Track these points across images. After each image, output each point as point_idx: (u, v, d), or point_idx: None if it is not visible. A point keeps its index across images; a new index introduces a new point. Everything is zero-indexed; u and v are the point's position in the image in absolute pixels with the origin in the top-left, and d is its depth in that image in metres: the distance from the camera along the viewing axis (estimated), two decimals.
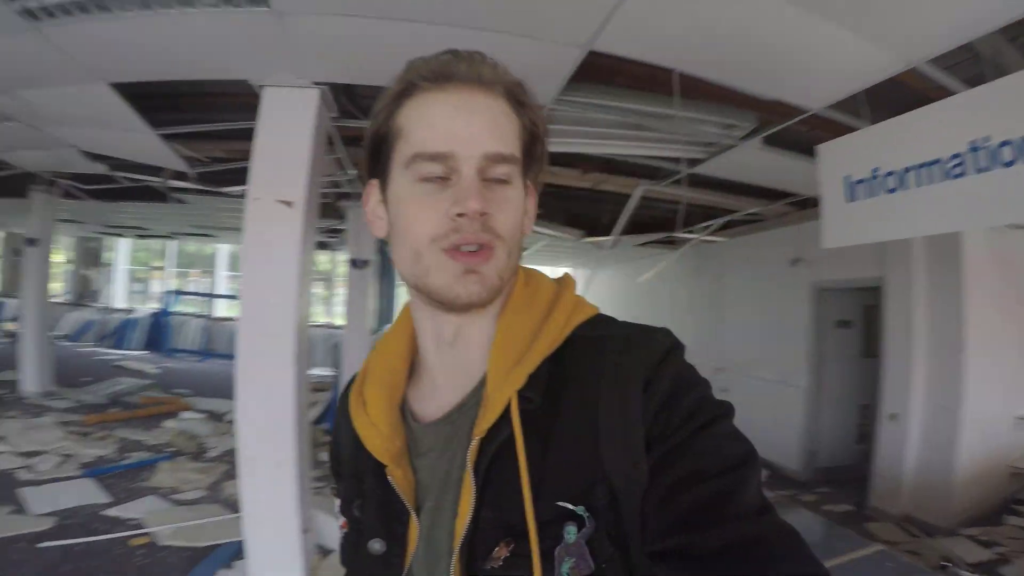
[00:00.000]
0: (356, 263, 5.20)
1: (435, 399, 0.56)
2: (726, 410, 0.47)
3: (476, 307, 0.50)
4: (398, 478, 0.52)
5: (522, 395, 0.48)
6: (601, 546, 0.44)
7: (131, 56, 2.45)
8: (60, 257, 12.66)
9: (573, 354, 0.51)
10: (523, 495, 0.45)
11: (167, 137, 3.54)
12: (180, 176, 4.41)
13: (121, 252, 13.41)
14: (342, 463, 0.60)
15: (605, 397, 0.47)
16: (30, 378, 6.01)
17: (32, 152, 4.66)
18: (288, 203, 2.44)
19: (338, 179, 4.25)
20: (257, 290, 2.49)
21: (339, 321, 9.75)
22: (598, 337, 0.51)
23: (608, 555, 0.44)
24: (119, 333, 10.93)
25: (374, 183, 0.55)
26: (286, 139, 2.49)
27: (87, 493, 3.61)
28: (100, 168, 4.79)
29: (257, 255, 2.50)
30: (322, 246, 8.94)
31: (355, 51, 2.30)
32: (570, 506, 0.45)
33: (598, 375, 0.48)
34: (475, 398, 0.52)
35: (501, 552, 0.46)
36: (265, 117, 2.51)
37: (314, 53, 2.31)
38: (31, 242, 6.19)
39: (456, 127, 0.48)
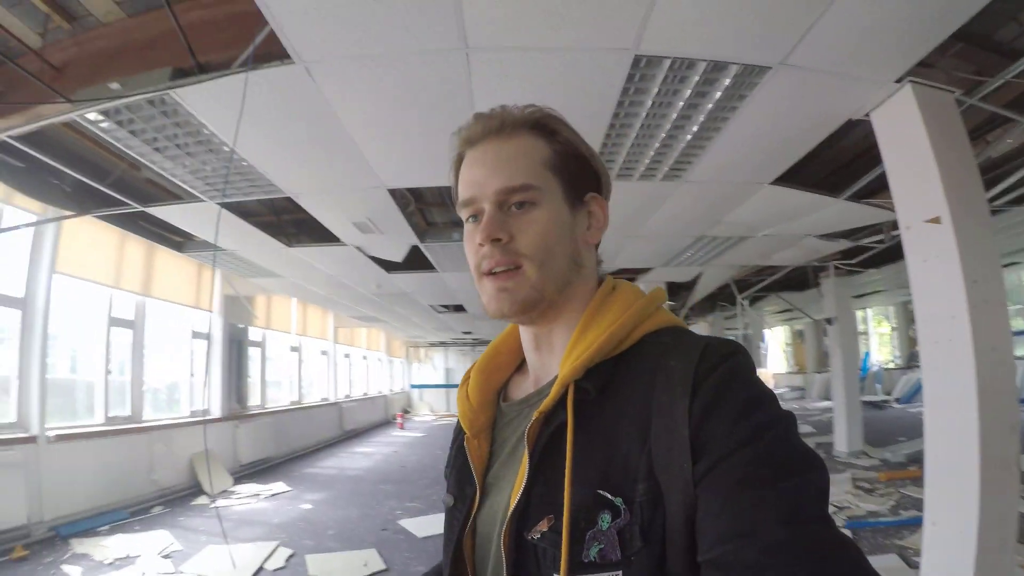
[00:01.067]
0: None
1: (526, 386, 0.65)
2: (785, 418, 0.45)
3: (515, 318, 0.58)
4: (472, 448, 0.61)
5: (579, 386, 0.52)
6: (632, 538, 0.46)
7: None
8: (886, 326, 13.66)
9: (638, 357, 0.53)
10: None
11: (851, 198, 3.72)
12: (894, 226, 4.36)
13: None
14: (455, 436, 0.69)
15: (656, 399, 0.49)
16: (840, 439, 6.59)
17: (787, 251, 5.41)
18: (936, 220, 2.17)
19: None
20: (932, 323, 2.24)
21: None
22: (663, 343, 0.53)
23: (636, 548, 0.45)
24: None
25: None
26: (907, 153, 2.30)
27: None
28: (842, 243, 5.24)
29: (924, 285, 2.28)
30: None
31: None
32: (609, 496, 0.47)
33: (653, 377, 0.50)
34: (551, 387, 0.57)
35: (543, 525, 0.49)
36: (880, 141, 2.44)
37: (878, 47, 2.04)
38: (829, 321, 7.01)
39: (476, 175, 0.58)
